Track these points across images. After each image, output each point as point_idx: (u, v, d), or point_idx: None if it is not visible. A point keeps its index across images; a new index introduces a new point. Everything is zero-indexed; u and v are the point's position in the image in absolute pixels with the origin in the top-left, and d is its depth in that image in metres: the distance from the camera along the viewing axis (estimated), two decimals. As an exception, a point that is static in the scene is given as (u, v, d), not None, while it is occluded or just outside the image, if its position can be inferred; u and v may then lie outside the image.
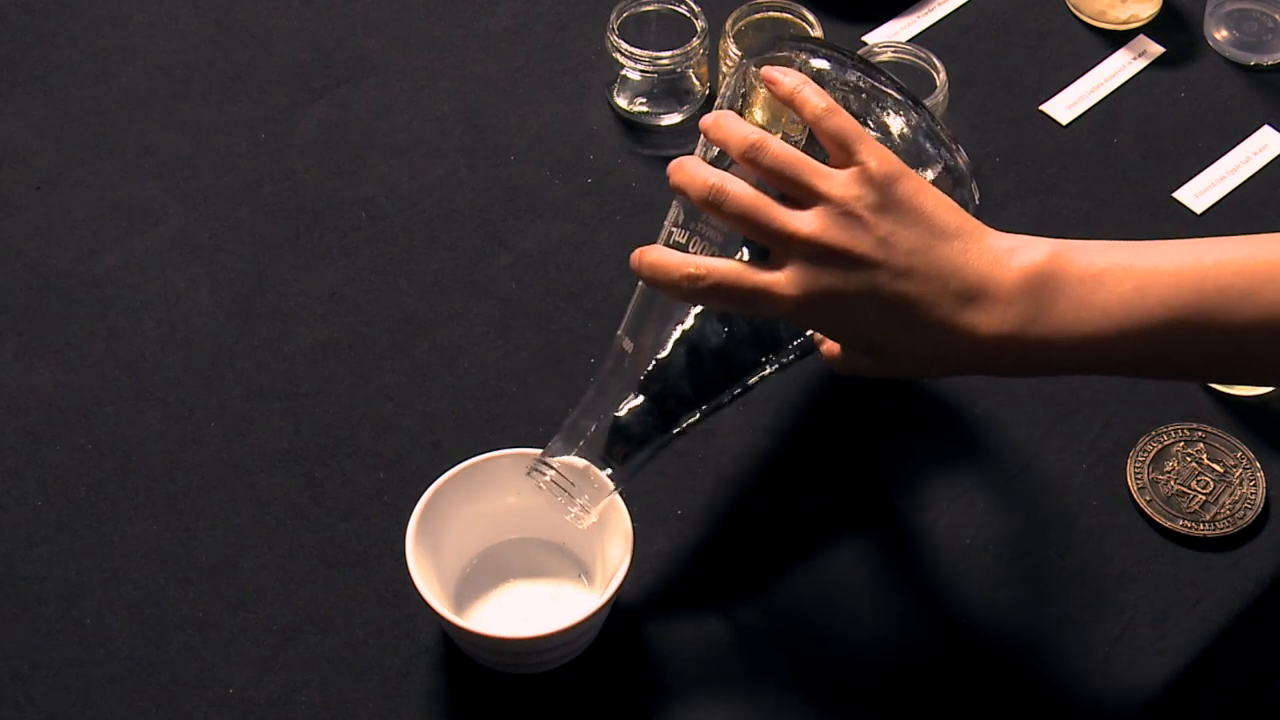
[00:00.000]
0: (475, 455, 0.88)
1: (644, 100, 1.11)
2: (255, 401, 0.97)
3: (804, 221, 0.78)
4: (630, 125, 1.11)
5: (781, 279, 0.78)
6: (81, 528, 0.92)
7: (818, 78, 0.83)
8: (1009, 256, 0.78)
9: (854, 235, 0.77)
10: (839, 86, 0.84)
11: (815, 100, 0.80)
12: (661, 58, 1.08)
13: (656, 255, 0.81)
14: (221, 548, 0.91)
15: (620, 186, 1.08)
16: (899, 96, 0.84)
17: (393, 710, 0.86)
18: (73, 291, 1.02)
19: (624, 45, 1.08)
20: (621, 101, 1.11)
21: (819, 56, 0.85)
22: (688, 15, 1.10)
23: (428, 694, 0.86)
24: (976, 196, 0.85)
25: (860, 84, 0.84)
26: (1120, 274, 0.77)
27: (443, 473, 0.87)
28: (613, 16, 1.09)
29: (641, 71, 1.09)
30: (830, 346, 0.86)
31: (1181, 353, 0.79)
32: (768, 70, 0.82)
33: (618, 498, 0.86)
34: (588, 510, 0.84)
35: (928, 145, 0.84)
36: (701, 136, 0.84)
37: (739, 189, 0.79)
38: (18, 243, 1.05)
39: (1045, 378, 0.97)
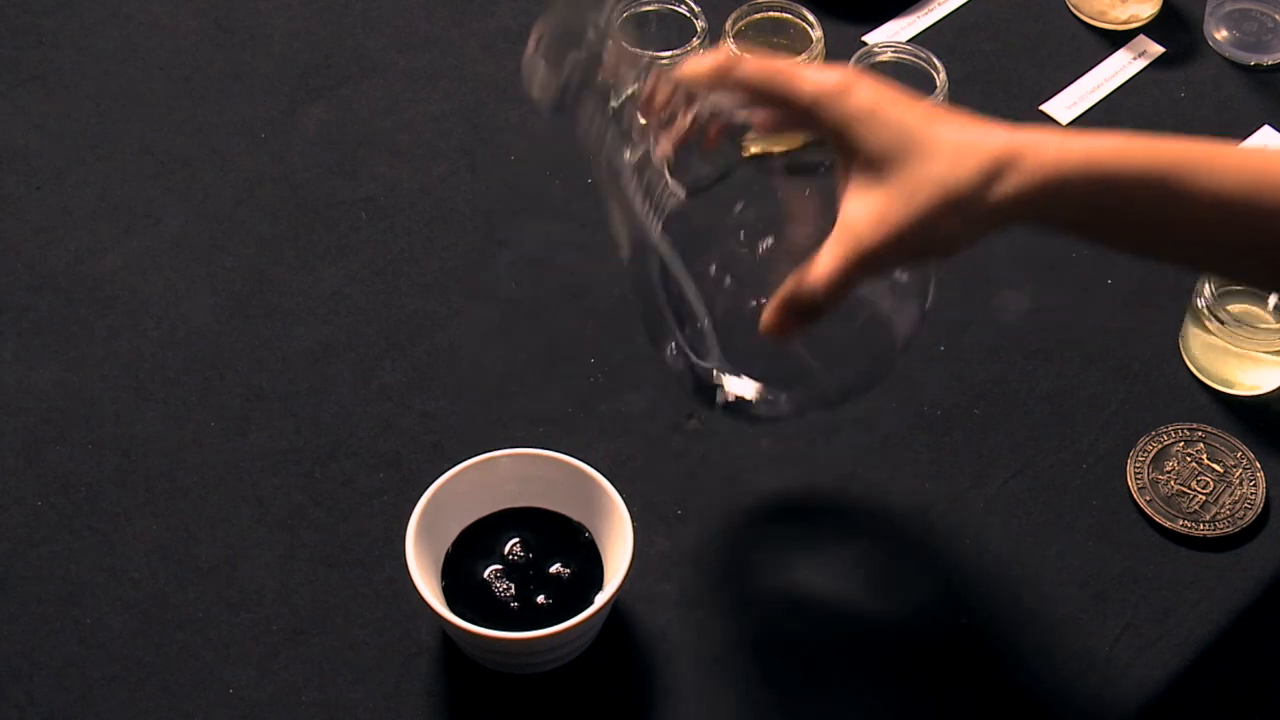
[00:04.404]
0: (475, 455, 0.88)
1: (644, 100, 1.11)
2: (255, 401, 0.97)
3: (829, 73, 0.75)
4: (630, 125, 1.11)
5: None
6: (81, 528, 0.92)
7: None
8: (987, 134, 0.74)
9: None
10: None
11: (699, 66, 0.77)
12: (661, 58, 1.08)
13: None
14: (221, 548, 0.91)
15: (620, 186, 1.08)
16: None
17: (393, 710, 0.86)
18: (73, 291, 1.02)
19: (624, 45, 1.08)
20: (621, 101, 1.11)
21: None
22: (688, 15, 1.10)
23: (428, 694, 0.86)
24: None
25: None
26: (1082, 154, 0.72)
27: (443, 473, 0.87)
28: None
29: (641, 71, 1.09)
30: (767, 317, 0.78)
31: (1142, 214, 0.73)
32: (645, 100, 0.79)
33: (618, 498, 0.86)
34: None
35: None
36: (636, 131, 0.80)
37: (749, 58, 0.76)
38: (18, 243, 1.05)
39: (1045, 379, 0.98)
